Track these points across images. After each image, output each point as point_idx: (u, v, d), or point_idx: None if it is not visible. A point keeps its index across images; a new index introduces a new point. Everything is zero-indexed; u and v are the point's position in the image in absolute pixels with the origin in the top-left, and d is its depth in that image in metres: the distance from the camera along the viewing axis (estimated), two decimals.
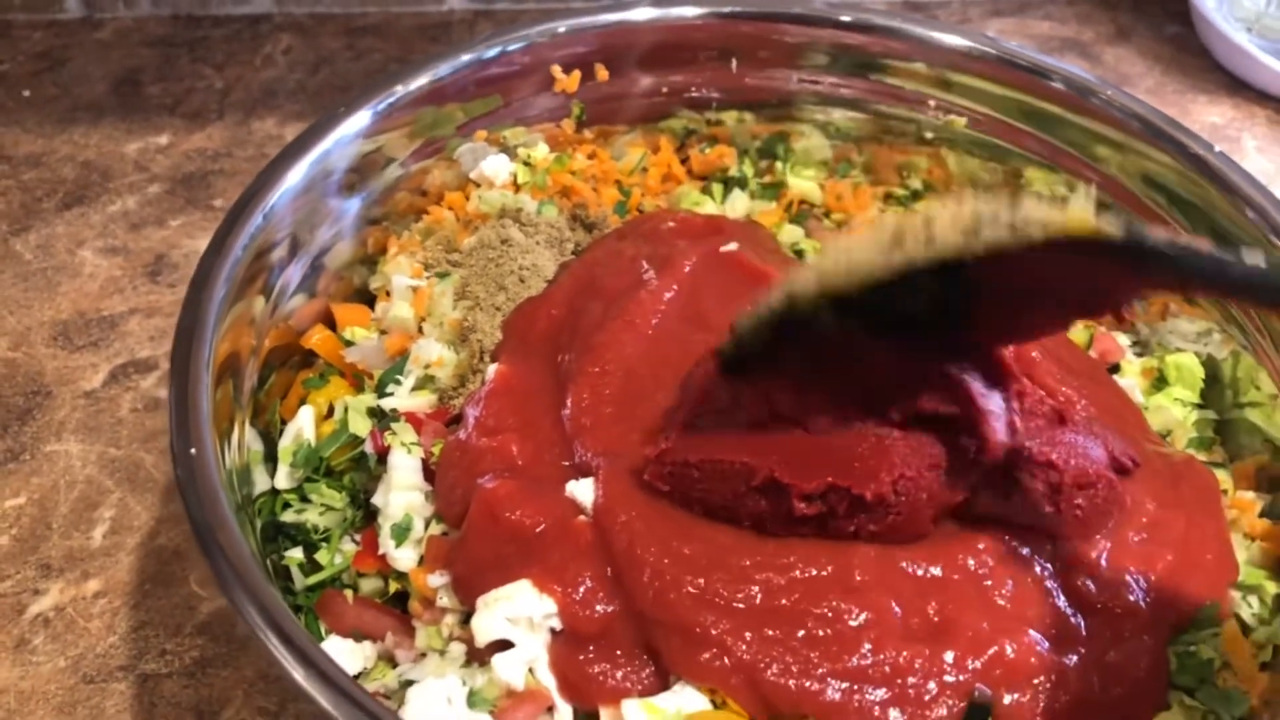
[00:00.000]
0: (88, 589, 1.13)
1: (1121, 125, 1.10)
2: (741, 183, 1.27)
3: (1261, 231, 0.99)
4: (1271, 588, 0.88)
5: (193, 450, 0.77)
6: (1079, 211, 0.67)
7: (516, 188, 1.18)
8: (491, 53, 1.12)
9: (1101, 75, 1.78)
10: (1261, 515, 0.94)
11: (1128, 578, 0.83)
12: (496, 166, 1.17)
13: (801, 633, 0.77)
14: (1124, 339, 1.10)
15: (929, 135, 1.22)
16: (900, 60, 1.18)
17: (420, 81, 1.10)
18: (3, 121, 1.66)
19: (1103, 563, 0.83)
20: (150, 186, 1.57)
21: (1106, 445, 0.86)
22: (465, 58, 1.11)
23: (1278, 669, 0.83)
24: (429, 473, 0.93)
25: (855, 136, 1.26)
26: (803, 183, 1.26)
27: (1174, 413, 1.01)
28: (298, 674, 0.67)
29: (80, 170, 1.59)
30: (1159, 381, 1.05)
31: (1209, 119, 1.73)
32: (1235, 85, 1.78)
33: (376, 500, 0.92)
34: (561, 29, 1.13)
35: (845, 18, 1.16)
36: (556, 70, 1.18)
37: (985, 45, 1.16)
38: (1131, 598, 0.83)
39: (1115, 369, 1.07)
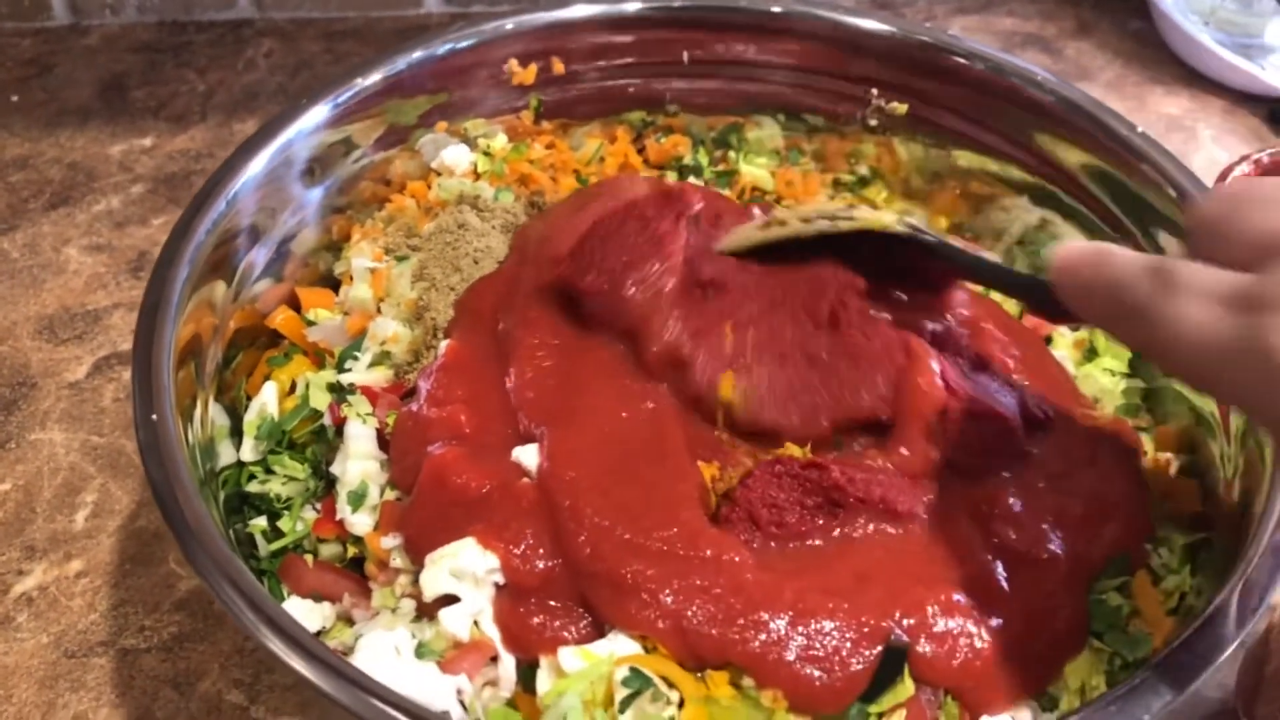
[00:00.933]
0: (70, 569, 1.17)
1: (1046, 108, 1.14)
2: (697, 170, 1.31)
3: (1179, 206, 1.04)
4: (1180, 539, 0.92)
5: (154, 416, 0.81)
6: (880, 215, 0.94)
7: (476, 176, 1.22)
8: (443, 49, 1.17)
9: (1062, 68, 1.84)
10: (1179, 474, 0.98)
11: (1045, 527, 0.87)
12: (457, 156, 1.21)
13: (725, 581, 0.81)
14: None
15: (873, 123, 1.27)
16: (830, 48, 1.23)
17: (378, 75, 1.14)
18: None
19: (1017, 508, 0.88)
20: (134, 187, 1.62)
21: (1021, 396, 0.91)
22: (419, 54, 1.16)
23: (1182, 615, 0.86)
24: (384, 442, 0.97)
25: (805, 126, 1.31)
26: (755, 170, 1.30)
27: (1103, 381, 1.05)
28: (248, 617, 0.71)
29: (66, 172, 1.64)
30: (1089, 352, 1.10)
31: (1167, 110, 1.77)
32: (1192, 78, 1.82)
33: (335, 469, 0.97)
34: (509, 25, 1.18)
35: (775, 9, 1.21)
36: (513, 64, 1.23)
37: (906, 31, 1.21)
38: (1052, 547, 0.87)
39: (1049, 340, 1.11)
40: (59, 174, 1.63)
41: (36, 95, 1.76)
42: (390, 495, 0.94)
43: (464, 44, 1.17)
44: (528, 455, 0.90)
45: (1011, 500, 0.88)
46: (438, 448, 0.90)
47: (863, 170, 1.31)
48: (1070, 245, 0.70)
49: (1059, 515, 0.88)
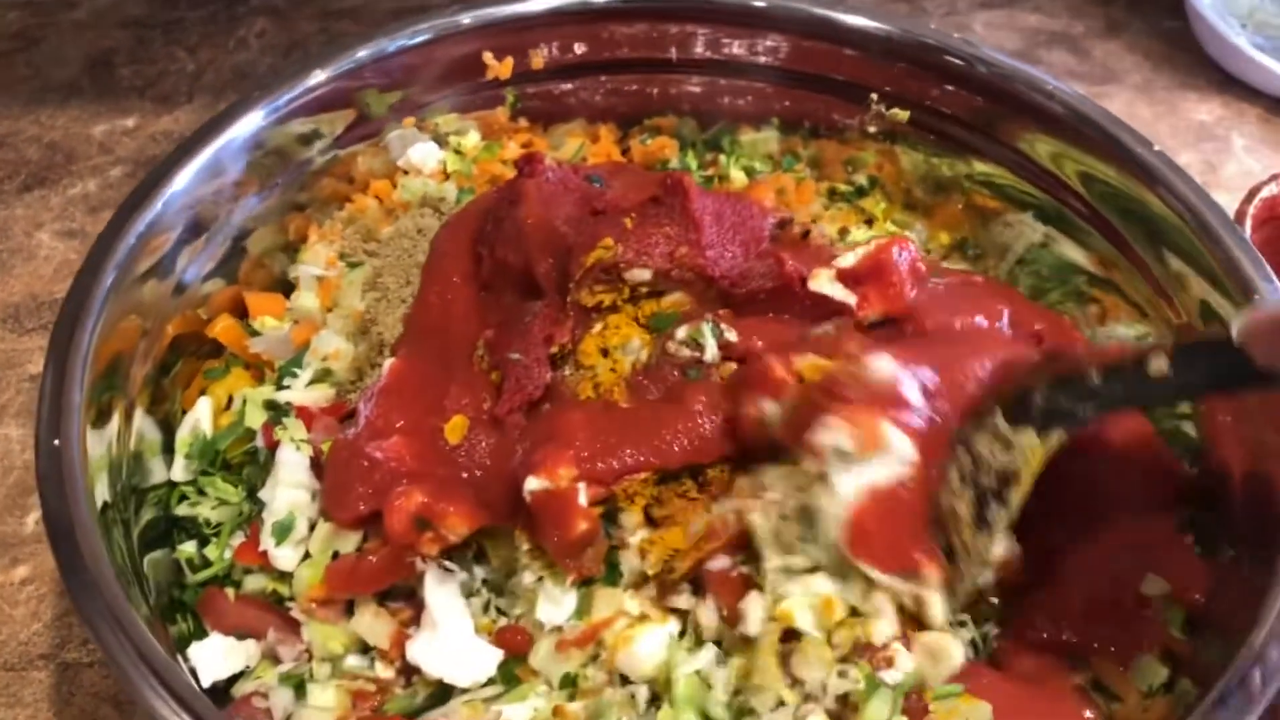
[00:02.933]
0: (15, 575, 1.12)
1: (1058, 120, 1.06)
2: None
3: (1192, 229, 0.97)
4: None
5: (56, 441, 0.76)
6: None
7: (445, 176, 1.15)
8: (417, 39, 1.10)
9: (1089, 69, 1.75)
10: None
11: None
12: (425, 154, 1.14)
13: None
14: None
15: (873, 129, 1.19)
16: (823, 46, 1.15)
17: (343, 65, 1.08)
18: None
19: None
20: (113, 169, 1.56)
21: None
22: (385, 42, 1.09)
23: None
24: (320, 469, 0.91)
25: (803, 130, 1.23)
26: (745, 176, 1.22)
27: None
28: (142, 687, 0.65)
29: (45, 152, 1.58)
30: None
31: (1197, 117, 1.68)
32: (1227, 83, 1.72)
33: (263, 495, 0.91)
34: (466, 20, 1.11)
35: (760, 4, 1.13)
36: (488, 56, 1.16)
37: (905, 31, 1.13)
38: None
39: None
40: (37, 154, 1.58)
41: (20, 70, 1.71)
42: (323, 529, 0.87)
43: (425, 36, 1.10)
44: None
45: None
46: (399, 494, 0.84)
47: (860, 179, 1.23)
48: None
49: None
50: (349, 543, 0.89)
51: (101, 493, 0.80)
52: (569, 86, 1.20)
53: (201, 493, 0.95)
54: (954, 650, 0.82)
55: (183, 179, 0.97)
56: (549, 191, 0.97)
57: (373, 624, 0.87)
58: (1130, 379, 0.81)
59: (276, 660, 0.87)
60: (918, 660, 0.82)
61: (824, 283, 0.95)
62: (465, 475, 0.88)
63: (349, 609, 0.89)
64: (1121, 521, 0.91)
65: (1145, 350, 0.81)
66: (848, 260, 0.96)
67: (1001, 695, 0.80)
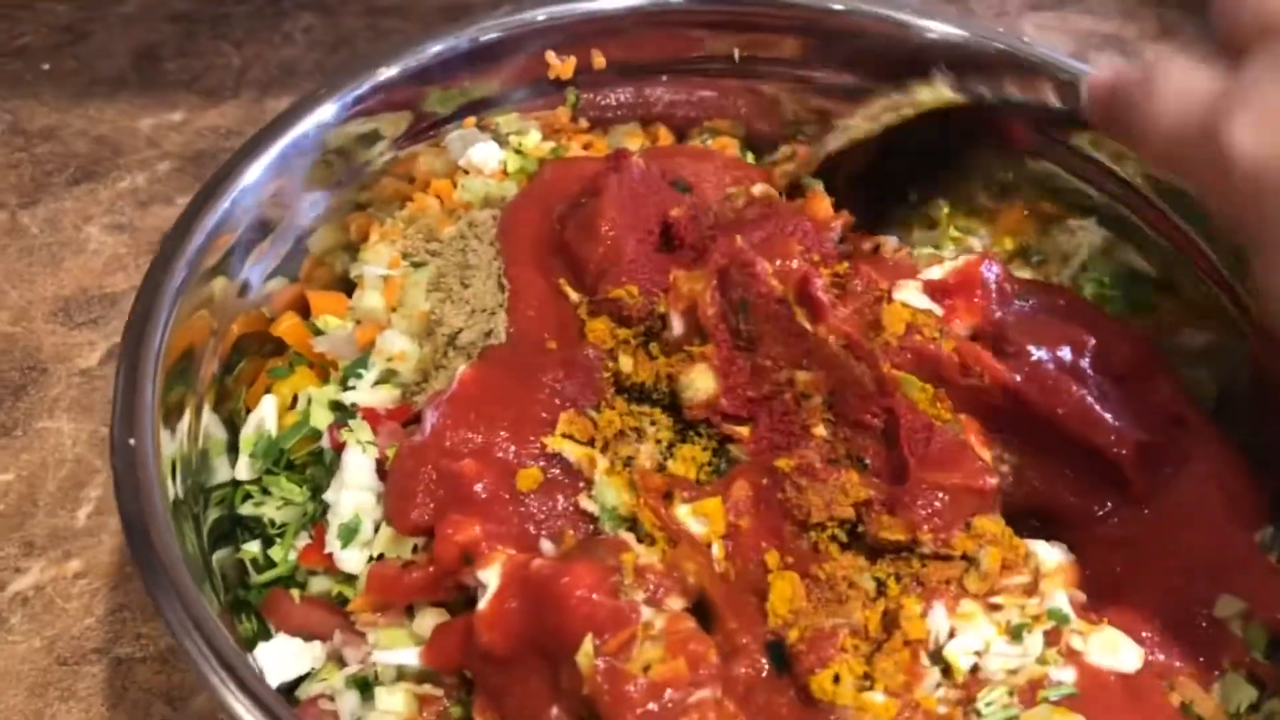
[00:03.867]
0: (68, 569, 1.12)
1: None
2: None
3: None
4: None
5: (131, 440, 0.75)
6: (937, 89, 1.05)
7: (506, 176, 1.14)
8: (486, 37, 1.09)
9: None
10: None
11: None
12: (485, 154, 1.13)
13: None
14: None
15: None
16: (893, 51, 1.14)
17: (402, 66, 1.07)
18: (21, 94, 1.65)
19: None
20: (161, 164, 1.56)
21: None
22: (451, 41, 1.08)
23: None
24: (385, 472, 0.90)
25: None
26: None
27: None
28: (215, 681, 0.65)
29: (93, 145, 1.58)
30: None
31: None
32: None
33: (328, 496, 0.90)
34: (541, 17, 1.10)
35: (835, 5, 1.12)
36: (551, 56, 1.15)
37: (978, 36, 1.12)
38: None
39: None
40: (85, 147, 1.58)
41: (68, 63, 1.71)
42: (385, 533, 0.86)
43: (494, 34, 1.09)
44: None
45: None
46: (453, 523, 0.82)
47: None
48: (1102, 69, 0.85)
49: None
50: (410, 549, 0.88)
51: (173, 490, 0.79)
52: (630, 87, 1.19)
53: (266, 492, 0.94)
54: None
55: (251, 176, 0.96)
56: (629, 192, 0.96)
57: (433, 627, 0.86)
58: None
59: (342, 662, 0.86)
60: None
61: (911, 294, 0.94)
62: (531, 529, 0.84)
63: (410, 610, 0.88)
64: (1193, 542, 0.90)
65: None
66: (934, 273, 0.96)
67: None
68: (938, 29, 1.13)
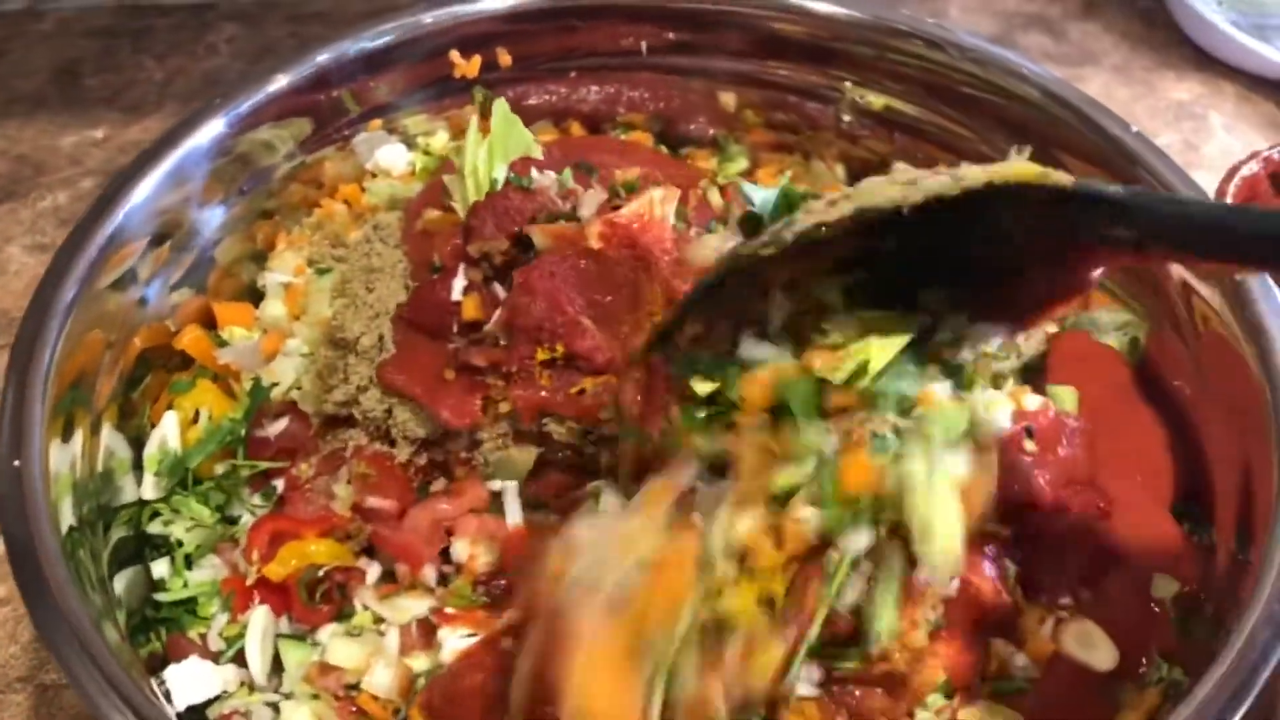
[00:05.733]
0: None
1: (1034, 105, 1.04)
2: None
3: None
4: None
5: (16, 462, 0.74)
6: (1021, 163, 0.67)
7: (414, 177, 1.13)
8: (380, 41, 1.09)
9: (1066, 51, 1.74)
10: None
11: None
12: (393, 156, 1.12)
13: None
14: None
15: (846, 119, 1.17)
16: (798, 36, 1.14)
17: (305, 69, 1.06)
18: None
19: None
20: (83, 181, 1.54)
21: None
22: (350, 44, 1.07)
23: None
24: None
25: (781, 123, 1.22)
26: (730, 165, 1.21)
27: None
28: (104, 707, 0.64)
29: (13, 165, 1.56)
30: None
31: (1177, 96, 1.67)
32: (1205, 61, 1.71)
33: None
34: (428, 20, 1.09)
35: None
36: (455, 55, 1.14)
37: (878, 18, 1.11)
38: None
39: None
40: (5, 167, 1.56)
41: None
42: None
43: (388, 38, 1.08)
44: None
45: None
46: None
47: (838, 170, 1.21)
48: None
49: None
50: None
51: (66, 514, 0.78)
52: (537, 84, 1.18)
53: (176, 511, 0.93)
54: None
55: (145, 189, 0.95)
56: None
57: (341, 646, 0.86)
58: None
59: (251, 689, 0.85)
60: None
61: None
62: None
63: None
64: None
65: None
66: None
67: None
68: (831, 9, 1.11)
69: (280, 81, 1.04)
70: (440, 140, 1.16)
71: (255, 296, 1.09)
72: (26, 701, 1.03)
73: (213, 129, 1.01)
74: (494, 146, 1.00)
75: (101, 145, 1.60)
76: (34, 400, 0.79)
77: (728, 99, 1.20)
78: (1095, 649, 0.85)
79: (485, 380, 0.89)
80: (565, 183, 0.96)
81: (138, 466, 0.94)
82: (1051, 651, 0.85)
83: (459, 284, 0.89)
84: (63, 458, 0.81)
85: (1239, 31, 1.64)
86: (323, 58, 1.06)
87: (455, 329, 0.89)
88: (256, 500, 0.93)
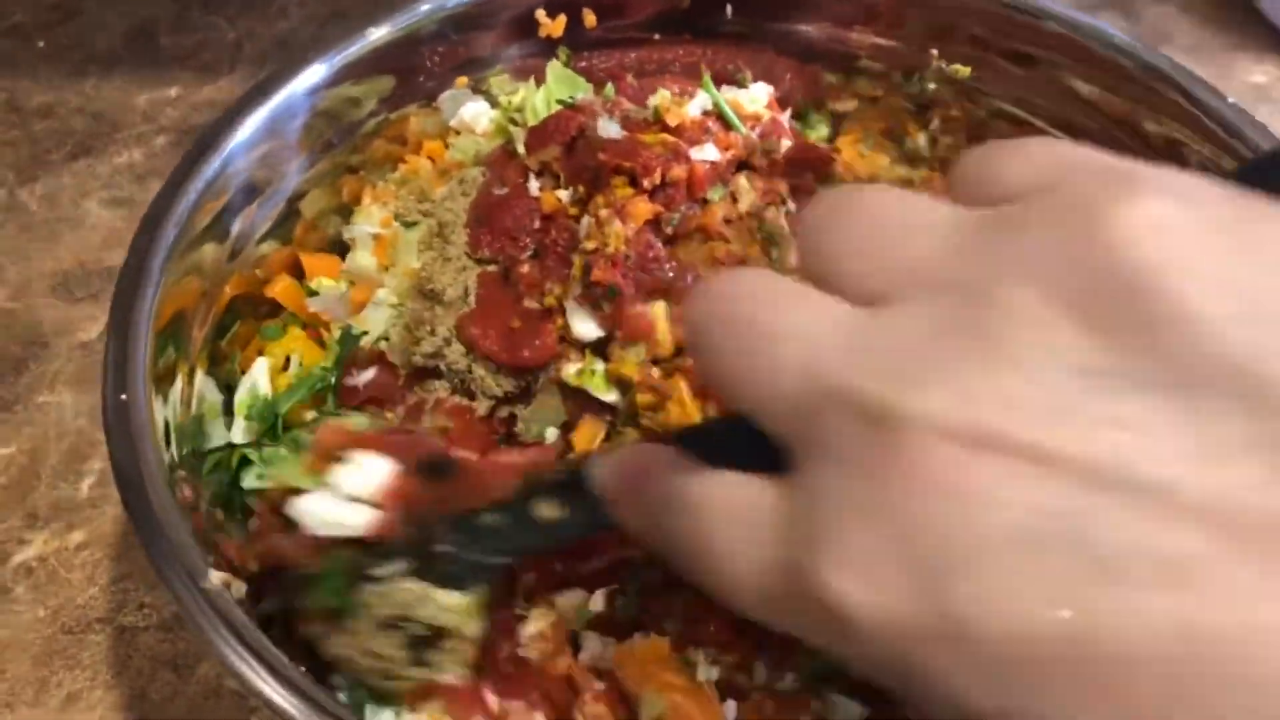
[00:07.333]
0: (71, 540, 1.12)
1: (1126, 74, 1.03)
2: None
3: None
4: None
5: (123, 396, 0.75)
6: None
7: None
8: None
9: (1139, 32, 1.71)
10: None
11: None
12: (476, 113, 1.13)
13: None
14: None
15: (931, 87, 1.16)
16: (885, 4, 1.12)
17: (399, 23, 1.06)
18: (16, 73, 1.65)
19: None
20: (157, 138, 1.56)
21: None
22: (433, 4, 1.07)
23: None
24: None
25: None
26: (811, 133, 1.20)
27: None
28: (207, 630, 0.65)
29: (90, 122, 1.58)
30: None
31: (1254, 79, 1.64)
32: None
33: None
34: None
35: None
36: (541, 15, 1.14)
37: None
38: None
39: None
40: (82, 124, 1.58)
41: (62, 41, 1.71)
42: None
43: None
44: None
45: None
46: None
47: (922, 141, 1.20)
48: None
49: None
50: None
51: (169, 454, 0.79)
52: (621, 46, 1.18)
53: (267, 464, 0.93)
54: None
55: (238, 139, 0.96)
56: None
57: None
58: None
59: None
60: None
61: None
62: None
63: None
64: None
65: None
66: None
67: None
68: None
69: (374, 34, 1.05)
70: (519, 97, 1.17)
71: (339, 250, 1.10)
72: (105, 642, 1.05)
73: (304, 82, 1.01)
74: (550, 94, 1.06)
75: (175, 104, 1.62)
76: (137, 342, 0.80)
77: (812, 67, 1.19)
78: None
79: (553, 316, 0.89)
80: (609, 96, 1.02)
81: (228, 412, 0.96)
82: None
83: (535, 184, 0.93)
84: (162, 403, 0.82)
85: None
86: (421, 10, 1.06)
87: (536, 225, 0.92)
88: None
